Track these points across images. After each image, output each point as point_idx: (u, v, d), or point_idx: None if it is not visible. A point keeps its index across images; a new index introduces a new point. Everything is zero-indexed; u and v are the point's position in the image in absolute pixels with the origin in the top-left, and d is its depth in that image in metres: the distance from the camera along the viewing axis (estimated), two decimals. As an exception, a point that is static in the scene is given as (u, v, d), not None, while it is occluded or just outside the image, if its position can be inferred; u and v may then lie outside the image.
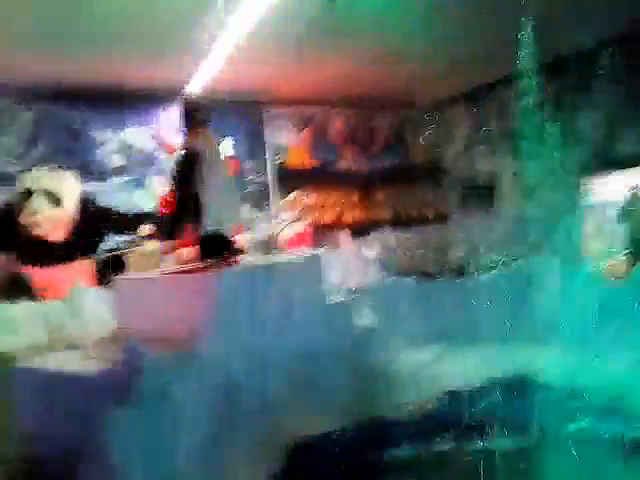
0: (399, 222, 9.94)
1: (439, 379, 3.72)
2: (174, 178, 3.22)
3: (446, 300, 4.33)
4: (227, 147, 7.92)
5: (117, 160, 8.20)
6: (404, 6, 6.14)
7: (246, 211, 8.87)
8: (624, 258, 8.54)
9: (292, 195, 8.81)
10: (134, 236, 8.13)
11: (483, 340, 4.22)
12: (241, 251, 3.21)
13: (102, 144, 8.07)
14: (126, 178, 8.28)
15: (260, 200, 9.01)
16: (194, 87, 7.86)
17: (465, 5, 6.13)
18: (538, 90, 8.35)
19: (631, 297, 3.80)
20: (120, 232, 8.21)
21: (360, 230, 9.50)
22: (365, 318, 3.75)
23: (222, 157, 3.35)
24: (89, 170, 7.88)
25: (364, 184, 9.73)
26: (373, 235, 9.60)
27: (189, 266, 3.30)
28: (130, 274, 3.75)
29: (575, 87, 7.54)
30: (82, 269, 7.25)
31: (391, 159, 10.01)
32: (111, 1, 5.43)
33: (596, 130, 7.42)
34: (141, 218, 8.15)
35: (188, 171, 3.04)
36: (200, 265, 3.26)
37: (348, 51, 7.45)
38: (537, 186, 8.63)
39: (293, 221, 7.89)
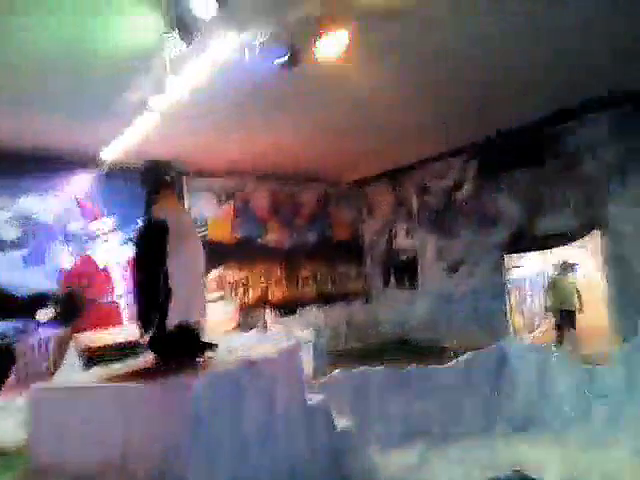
0: (323, 299, 9.63)
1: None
2: (136, 253, 2.58)
3: (419, 390, 3.97)
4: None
5: (11, 231, 7.06)
6: (341, 83, 6.22)
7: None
8: (544, 329, 8.91)
9: (215, 272, 8.16)
10: (29, 322, 6.90)
11: (464, 433, 3.88)
12: (215, 346, 2.59)
13: (-6, 213, 6.94)
14: (19, 252, 7.12)
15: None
16: (110, 154, 7.17)
17: (400, 85, 6.32)
18: (460, 169, 8.82)
19: (612, 379, 3.71)
20: (10, 317, 6.88)
21: (286, 308, 9.03)
22: (343, 419, 3.25)
23: (194, 230, 2.78)
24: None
25: (288, 260, 9.37)
26: (300, 314, 9.16)
27: (134, 370, 2.60)
28: (53, 381, 2.90)
29: (497, 167, 8.01)
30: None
31: (315, 234, 9.84)
32: (29, 47, 4.81)
33: (517, 210, 7.85)
34: (40, 300, 7.00)
35: (153, 244, 2.45)
36: (149, 367, 2.58)
37: (278, 125, 7.32)
38: (460, 263, 8.87)
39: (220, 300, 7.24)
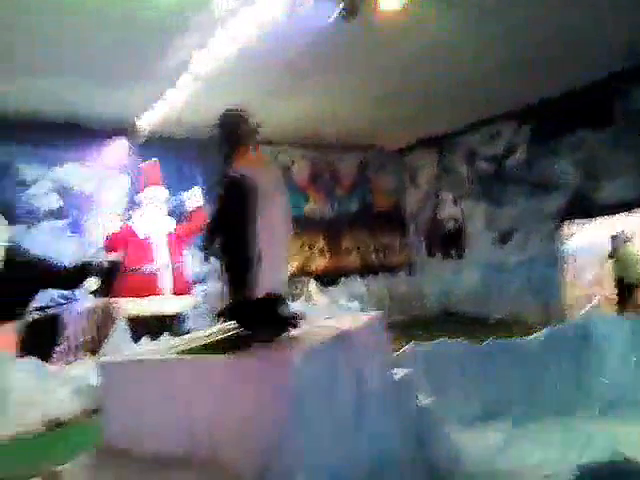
0: (366, 270, 9.34)
1: (522, 470, 2.99)
2: (219, 215, 2.30)
3: (498, 366, 3.68)
4: (195, 197, 6.95)
5: (50, 201, 6.91)
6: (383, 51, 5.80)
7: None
8: (598, 302, 8.46)
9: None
10: (75, 291, 6.81)
11: (548, 412, 3.59)
12: (301, 319, 2.32)
13: (33, 182, 6.79)
14: (60, 222, 6.99)
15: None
16: (148, 121, 6.90)
17: (455, 43, 5.86)
18: (513, 133, 8.30)
19: None
20: (56, 286, 6.84)
21: (327, 278, 8.77)
22: (425, 395, 2.99)
23: (282, 187, 2.46)
24: (15, 213, 6.58)
25: (330, 229, 9.08)
26: (342, 284, 8.88)
27: (214, 340, 2.36)
28: (127, 354, 2.67)
29: (555, 130, 7.48)
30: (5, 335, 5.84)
31: (357, 203, 9.51)
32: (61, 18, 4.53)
33: (576, 176, 7.35)
34: (84, 269, 6.89)
35: (238, 205, 2.16)
36: (230, 336, 2.33)
37: (318, 90, 6.93)
38: (511, 232, 8.43)
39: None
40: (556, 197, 7.68)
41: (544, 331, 3.80)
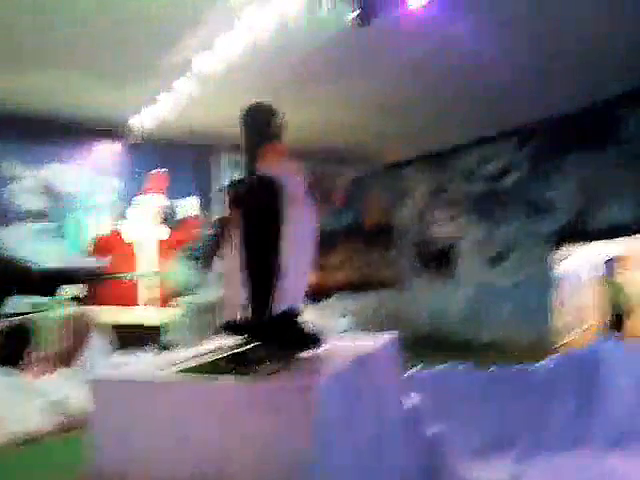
0: (354, 287, 9.13)
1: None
2: (244, 220, 2.04)
3: (503, 394, 3.49)
4: (190, 206, 6.68)
5: (32, 201, 6.58)
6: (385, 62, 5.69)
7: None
8: (587, 327, 8.38)
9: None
10: (51, 298, 6.44)
11: (555, 445, 3.40)
12: (321, 340, 2.08)
13: (15, 181, 6.45)
14: (42, 224, 6.64)
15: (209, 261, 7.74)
16: (143, 122, 6.64)
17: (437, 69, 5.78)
18: (510, 153, 8.24)
19: None
20: (28, 292, 6.44)
21: (315, 294, 8.51)
22: (433, 427, 2.77)
23: (308, 191, 2.24)
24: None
25: (319, 244, 8.86)
26: (329, 301, 8.66)
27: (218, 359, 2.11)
28: (118, 373, 2.39)
29: (552, 151, 7.44)
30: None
31: (347, 218, 9.32)
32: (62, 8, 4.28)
33: (572, 198, 7.29)
34: (61, 275, 6.53)
35: (265, 209, 1.94)
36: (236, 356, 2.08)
37: (318, 99, 6.77)
38: (504, 253, 8.33)
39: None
40: (552, 219, 7.61)
41: (552, 358, 3.63)
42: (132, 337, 5.90)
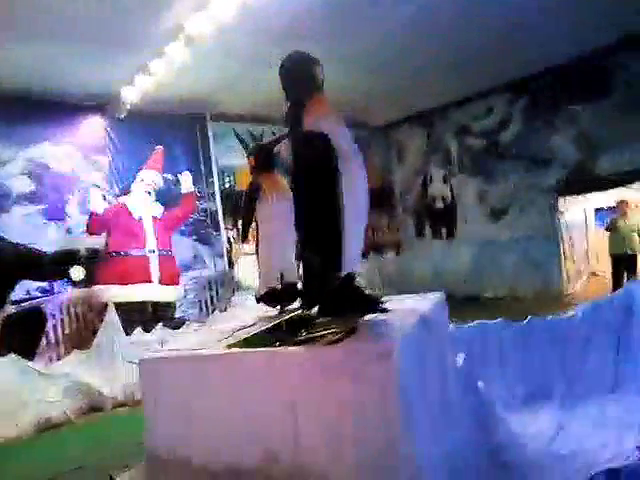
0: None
1: (584, 453, 2.83)
2: (295, 181, 1.92)
3: (538, 345, 3.51)
4: (187, 182, 6.46)
5: (24, 184, 6.34)
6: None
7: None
8: (587, 276, 8.48)
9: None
10: (57, 282, 6.29)
11: (592, 393, 3.44)
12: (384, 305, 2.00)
13: (4, 163, 6.20)
14: (35, 207, 6.43)
15: (207, 231, 7.63)
16: (130, 95, 6.38)
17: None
18: (507, 107, 8.14)
19: None
20: (38, 278, 6.29)
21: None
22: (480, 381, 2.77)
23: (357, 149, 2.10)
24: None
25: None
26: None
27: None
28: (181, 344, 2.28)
29: (551, 103, 7.35)
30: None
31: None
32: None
33: (573, 148, 7.25)
34: (68, 257, 6.34)
35: (319, 168, 1.81)
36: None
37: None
38: (505, 208, 8.33)
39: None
40: (551, 171, 7.59)
41: (583, 306, 3.64)
42: (144, 315, 5.81)
